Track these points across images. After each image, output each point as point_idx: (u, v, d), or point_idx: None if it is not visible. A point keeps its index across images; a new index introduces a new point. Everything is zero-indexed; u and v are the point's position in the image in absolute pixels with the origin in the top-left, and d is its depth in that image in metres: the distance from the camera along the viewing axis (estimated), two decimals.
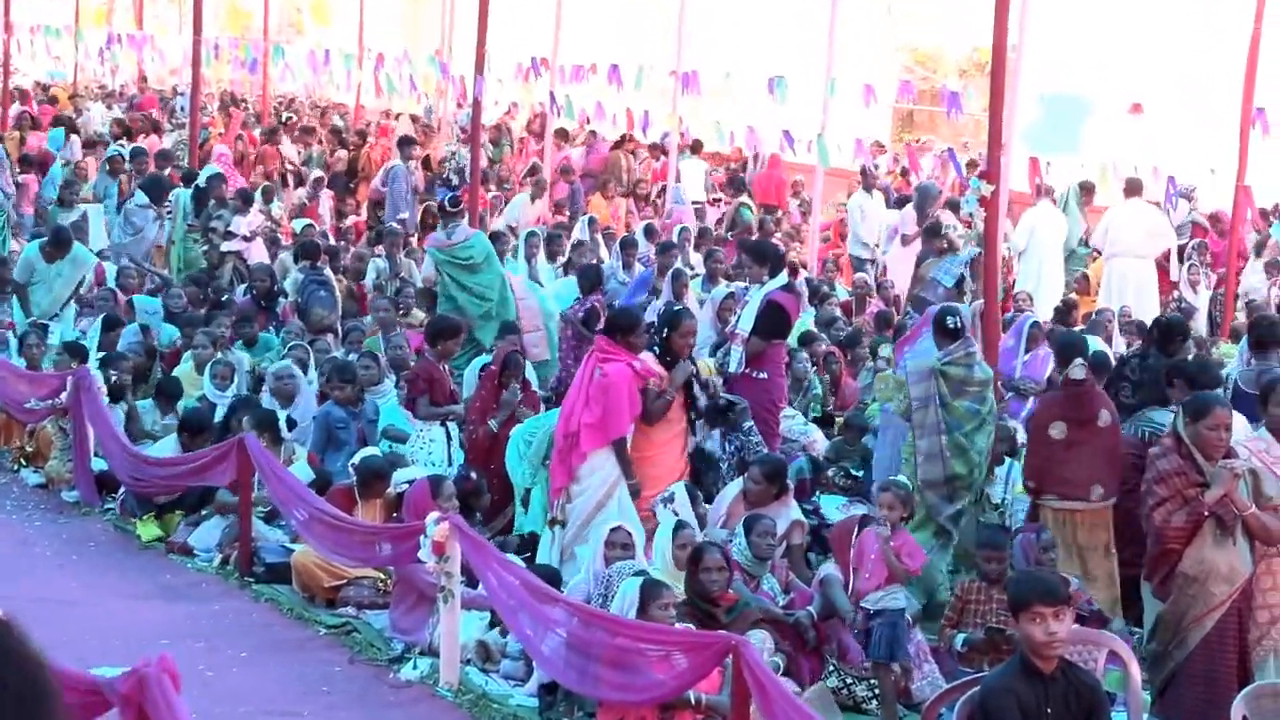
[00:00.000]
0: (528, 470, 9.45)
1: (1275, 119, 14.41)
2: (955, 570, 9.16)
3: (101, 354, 11.93)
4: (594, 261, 17.42)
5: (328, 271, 14.45)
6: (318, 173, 22.06)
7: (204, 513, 9.95)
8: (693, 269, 15.98)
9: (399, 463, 9.75)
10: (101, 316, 13.15)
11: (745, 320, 10.57)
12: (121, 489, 10.38)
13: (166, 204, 15.96)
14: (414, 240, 17.29)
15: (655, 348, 9.08)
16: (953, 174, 20.57)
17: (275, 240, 17.20)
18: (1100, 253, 17.10)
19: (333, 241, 17.69)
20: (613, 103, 22.71)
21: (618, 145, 24.02)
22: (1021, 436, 10.27)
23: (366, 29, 28.94)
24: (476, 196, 15.52)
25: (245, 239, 15.76)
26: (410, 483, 8.85)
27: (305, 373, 11.73)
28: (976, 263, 13.77)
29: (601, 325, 11.50)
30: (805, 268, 17.42)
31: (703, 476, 9.48)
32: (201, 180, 16.21)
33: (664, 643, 6.59)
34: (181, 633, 8.29)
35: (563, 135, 24.24)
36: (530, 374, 11.05)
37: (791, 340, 12.26)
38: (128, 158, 18.86)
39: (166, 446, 10.40)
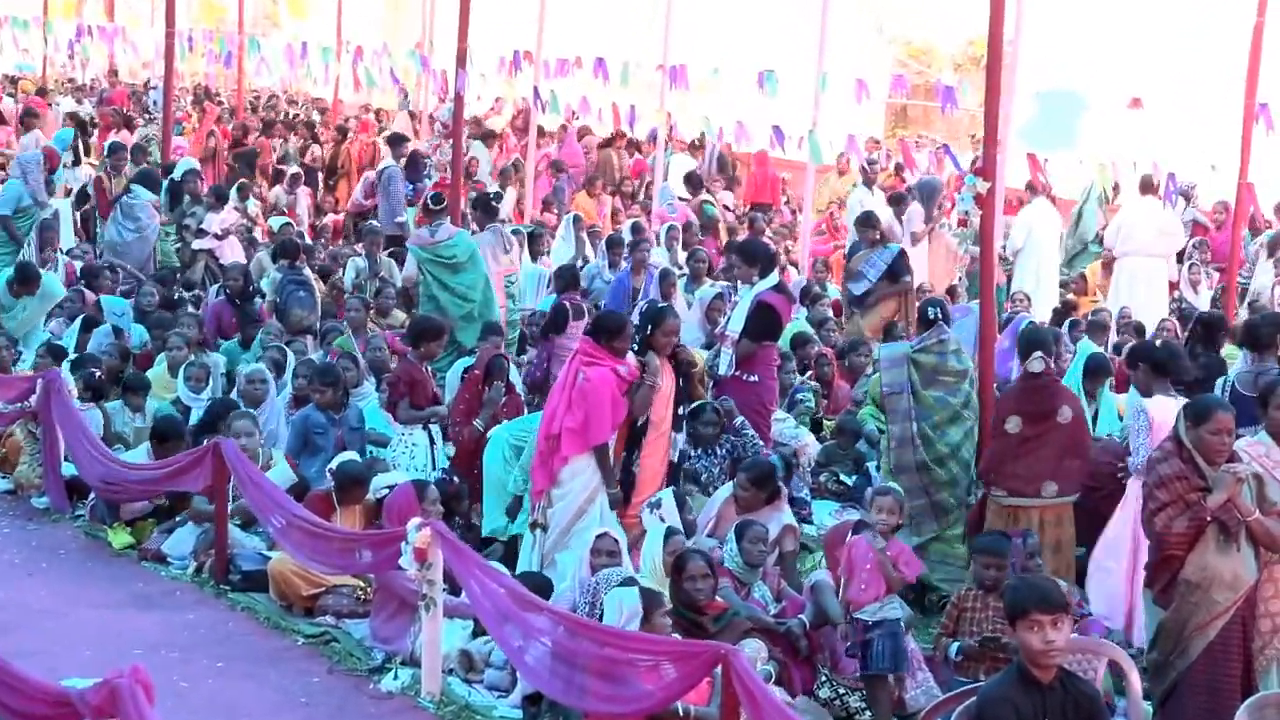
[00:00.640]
0: (519, 476, 9.45)
1: (1279, 114, 14.43)
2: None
3: (73, 356, 11.90)
4: (578, 261, 17.48)
5: (307, 271, 14.43)
6: (294, 168, 22.00)
7: (178, 519, 9.92)
8: (680, 268, 16.00)
9: (379, 468, 9.74)
10: (81, 317, 13.10)
11: (735, 322, 10.60)
12: (92, 494, 10.35)
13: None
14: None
15: (634, 345, 9.06)
16: (950, 170, 20.60)
17: (252, 239, 17.17)
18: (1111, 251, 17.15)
19: (309, 240, 17.67)
20: (598, 98, 22.69)
21: (607, 143, 23.97)
22: None
23: (345, 21, 28.88)
24: (459, 194, 15.48)
25: (217, 237, 15.74)
26: (391, 488, 8.84)
27: (281, 375, 11.71)
28: (904, 255, 13.96)
29: (567, 326, 11.60)
30: (797, 266, 17.43)
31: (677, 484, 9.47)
32: (177, 174, 16.19)
33: (652, 652, 6.60)
34: (155, 642, 8.28)
35: (539, 132, 24.11)
36: (514, 376, 11.04)
37: (784, 343, 12.28)
38: (106, 153, 18.79)
39: (137, 456, 10.34)
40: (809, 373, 13.03)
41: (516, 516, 9.50)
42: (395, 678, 7.90)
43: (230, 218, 16.17)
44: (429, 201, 13.68)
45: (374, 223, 17.58)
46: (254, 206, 19.46)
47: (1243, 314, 14.52)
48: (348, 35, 28.61)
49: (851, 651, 7.70)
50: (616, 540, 8.02)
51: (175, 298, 14.15)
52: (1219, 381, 9.78)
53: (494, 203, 14.12)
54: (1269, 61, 14.15)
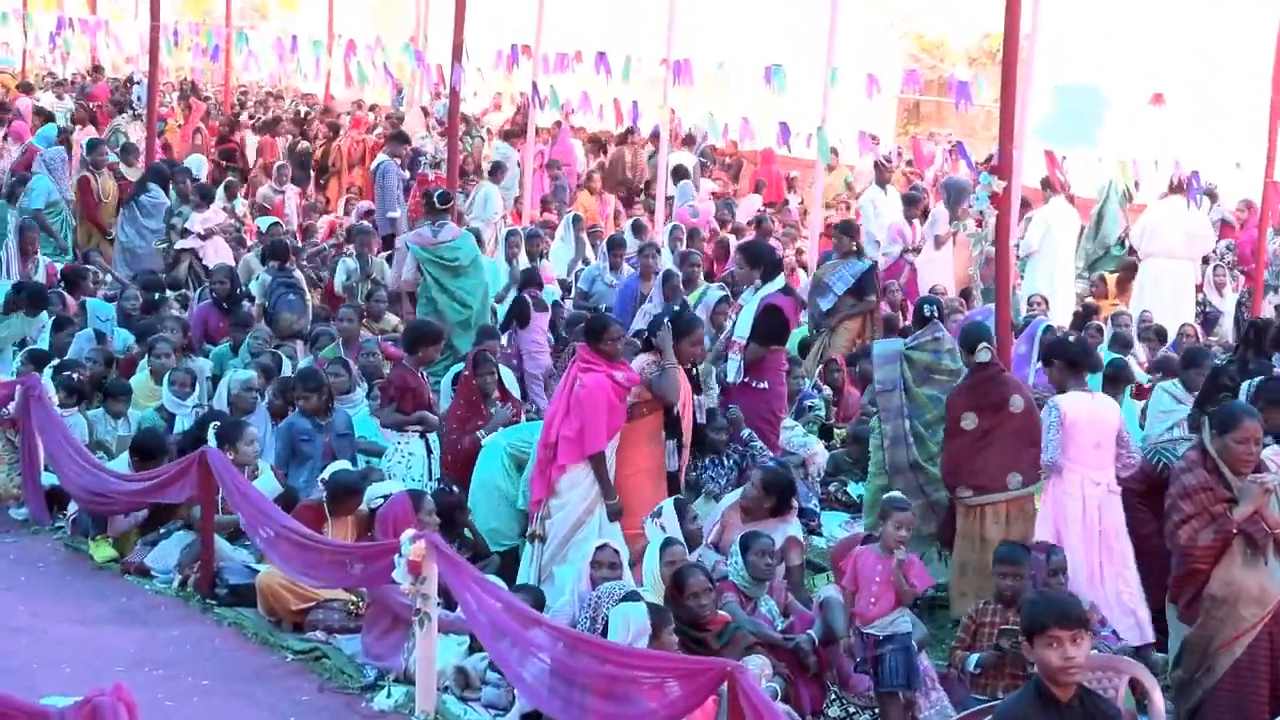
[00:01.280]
0: (526, 488, 9.44)
1: None
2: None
3: (55, 361, 11.86)
4: (578, 263, 17.49)
5: (297, 273, 14.39)
6: (280, 162, 22.00)
7: (161, 531, 9.90)
8: (698, 268, 15.96)
9: (375, 477, 9.72)
10: (51, 319, 13.09)
11: (742, 327, 10.57)
12: (72, 506, 10.33)
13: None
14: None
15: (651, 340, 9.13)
16: (963, 169, 20.60)
17: (240, 239, 17.18)
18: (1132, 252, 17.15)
19: (299, 242, 17.67)
20: (599, 93, 22.70)
21: (622, 140, 23.88)
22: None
23: (336, 14, 28.94)
24: (454, 190, 15.47)
25: (200, 237, 15.74)
26: (385, 498, 8.83)
27: (269, 381, 11.68)
28: (874, 271, 13.89)
29: (530, 320, 12.00)
30: (806, 269, 17.42)
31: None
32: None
33: (656, 669, 6.58)
34: (138, 659, 8.27)
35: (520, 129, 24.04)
36: (510, 382, 11.02)
37: (791, 347, 12.27)
38: (85, 150, 18.78)
39: (119, 468, 10.28)
40: (818, 379, 13.05)
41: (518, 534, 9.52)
42: (388, 696, 7.89)
43: (215, 217, 16.17)
44: (435, 200, 13.59)
45: (365, 223, 17.57)
46: (241, 206, 19.48)
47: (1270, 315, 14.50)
48: (339, 28, 28.67)
49: (861, 668, 7.68)
50: (617, 552, 8.02)
51: (157, 299, 14.09)
52: (1243, 386, 9.77)
53: (441, 203, 14.01)
54: None
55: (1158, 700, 7.01)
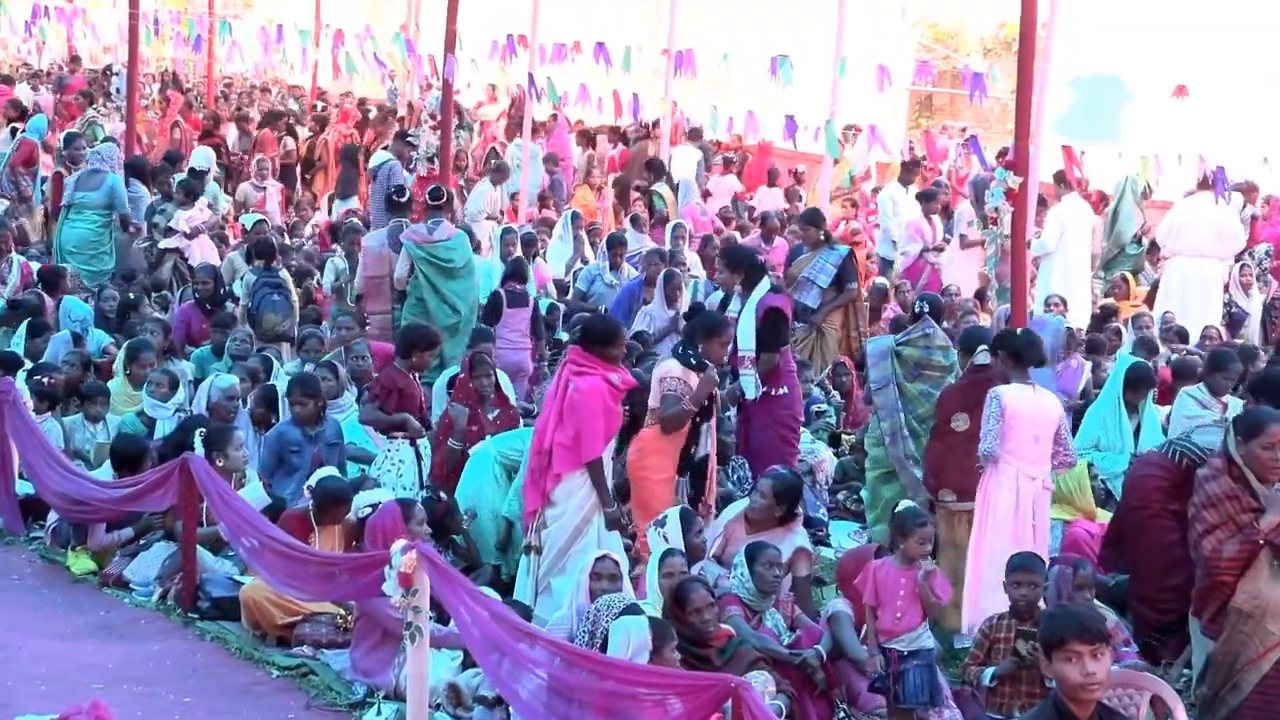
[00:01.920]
0: (516, 501, 9.44)
1: None
2: None
3: (30, 364, 11.87)
4: (576, 262, 17.49)
5: (283, 273, 14.39)
6: (260, 157, 22.00)
7: (142, 542, 9.90)
8: (688, 269, 16.00)
9: (366, 485, 9.71)
10: (25, 321, 13.08)
11: (745, 339, 10.45)
12: (52, 515, 10.32)
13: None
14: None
15: (691, 357, 9.24)
16: (976, 164, 20.59)
17: (223, 238, 17.19)
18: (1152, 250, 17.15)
19: (288, 240, 17.69)
20: (598, 85, 22.72)
21: (644, 135, 23.83)
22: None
23: (324, 2, 28.96)
24: (447, 187, 15.47)
25: (186, 236, 15.75)
26: (374, 507, 8.83)
27: (255, 385, 11.68)
28: (852, 257, 13.82)
29: (502, 313, 12.07)
30: None
31: None
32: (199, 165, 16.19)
33: (657, 685, 6.57)
34: (117, 675, 8.26)
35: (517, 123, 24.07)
36: (506, 386, 11.03)
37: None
38: (62, 144, 18.79)
39: (102, 476, 10.26)
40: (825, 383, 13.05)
41: (508, 546, 9.51)
42: (378, 713, 7.90)
43: (201, 215, 16.17)
44: (427, 196, 13.63)
45: (355, 220, 17.58)
46: (225, 204, 19.49)
47: None
48: (327, 18, 28.70)
49: (880, 684, 7.66)
50: (617, 563, 8.01)
51: (134, 298, 14.06)
52: None
53: (397, 197, 14.00)
54: None
55: (1181, 718, 7.00)
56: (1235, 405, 10.36)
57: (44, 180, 18.50)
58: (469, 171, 22.10)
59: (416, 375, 10.85)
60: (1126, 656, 8.28)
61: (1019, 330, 9.11)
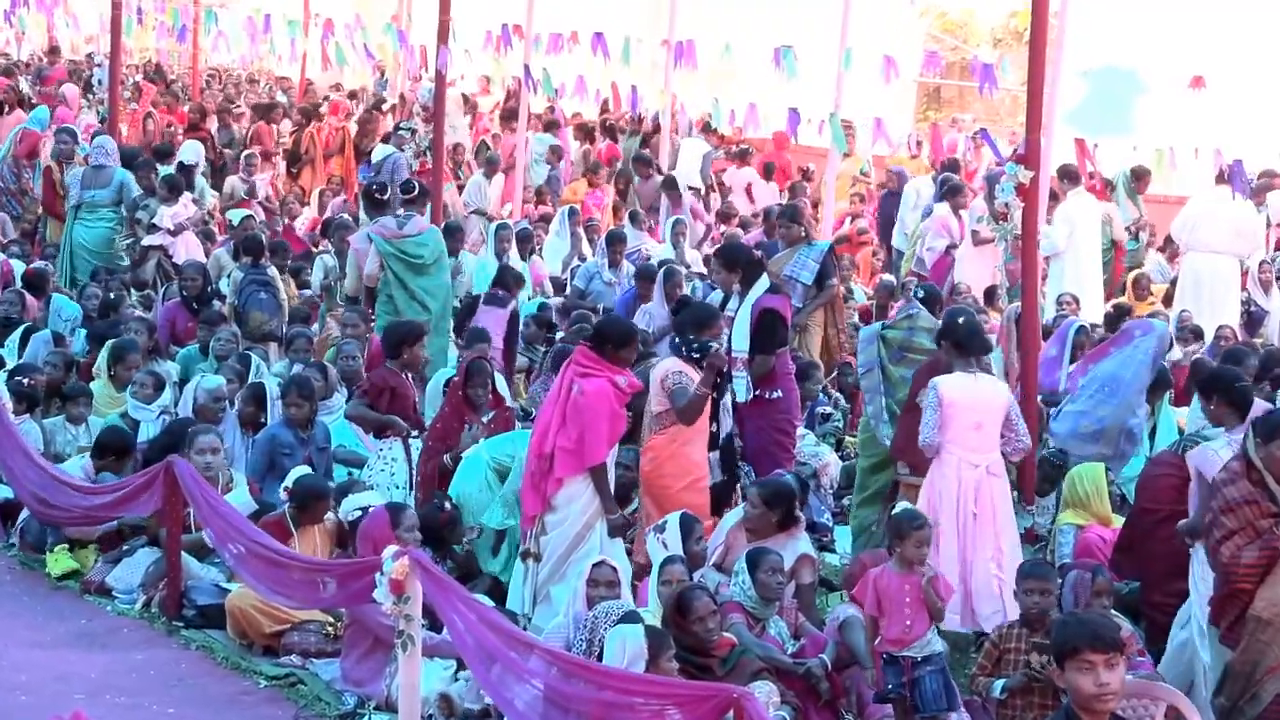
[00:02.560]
0: (500, 509, 9.43)
1: None
2: None
3: (11, 365, 11.87)
4: (573, 259, 17.50)
5: (271, 270, 14.38)
6: (249, 153, 21.99)
7: (125, 548, 9.90)
8: (688, 266, 16.00)
9: (352, 490, 9.68)
10: (22, 326, 13.05)
11: (739, 340, 10.42)
12: (23, 516, 10.31)
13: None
14: None
15: (693, 352, 9.26)
16: (988, 158, 20.60)
17: (209, 234, 17.18)
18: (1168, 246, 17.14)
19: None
20: (596, 77, 22.73)
21: (655, 132, 23.77)
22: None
23: None
24: (440, 181, 15.49)
25: (170, 233, 15.76)
26: (363, 510, 8.82)
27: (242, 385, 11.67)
28: (833, 252, 13.80)
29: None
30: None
31: None
32: (186, 159, 16.17)
33: (657, 695, 6.57)
34: (99, 686, 8.25)
35: (512, 115, 23.98)
36: (502, 386, 11.03)
37: None
38: (54, 138, 18.74)
39: (72, 469, 10.27)
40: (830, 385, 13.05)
41: (498, 553, 9.51)
42: None
43: (185, 211, 16.18)
44: (399, 189, 13.64)
45: (345, 216, 17.59)
46: (211, 199, 19.49)
47: None
48: (316, 7, 28.69)
49: (893, 693, 7.64)
50: (615, 569, 8.01)
51: (114, 297, 14.04)
52: None
53: (378, 194, 14.00)
54: None
55: None
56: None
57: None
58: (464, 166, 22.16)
59: (409, 375, 10.84)
60: (1141, 667, 8.27)
61: (961, 320, 9.23)
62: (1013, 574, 8.49)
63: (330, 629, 8.76)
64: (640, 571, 8.74)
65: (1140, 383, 10.67)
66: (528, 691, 6.96)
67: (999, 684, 7.39)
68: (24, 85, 26.46)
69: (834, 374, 13.40)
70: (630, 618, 7.40)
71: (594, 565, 8.01)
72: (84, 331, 13.25)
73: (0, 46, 35.22)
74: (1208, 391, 8.67)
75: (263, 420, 10.93)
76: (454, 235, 15.89)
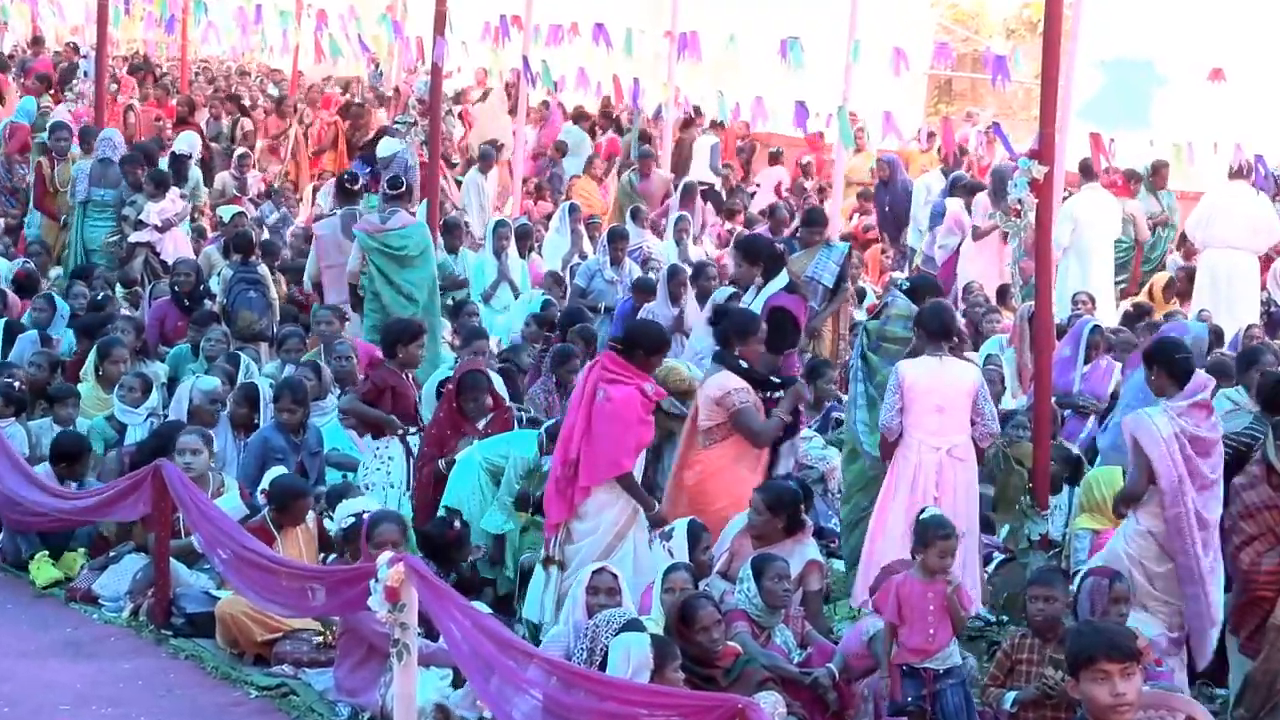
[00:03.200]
0: (499, 514, 9.41)
1: None
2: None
3: None
4: (574, 256, 17.50)
5: (262, 268, 14.38)
6: (241, 150, 22.00)
7: (111, 554, 9.90)
8: (690, 264, 15.98)
9: (347, 494, 9.68)
10: (2, 323, 13.06)
11: None
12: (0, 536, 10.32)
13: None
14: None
15: (773, 390, 9.40)
16: (1000, 152, 20.60)
17: (201, 231, 17.18)
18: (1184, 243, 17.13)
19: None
20: (597, 69, 22.72)
21: (686, 126, 23.74)
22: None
23: None
24: (436, 176, 15.48)
25: (157, 228, 15.75)
26: (358, 515, 8.81)
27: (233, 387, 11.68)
28: (849, 256, 13.83)
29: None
30: None
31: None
32: (180, 150, 16.16)
33: (660, 706, 6.57)
34: (85, 696, 8.26)
35: (509, 111, 24.00)
36: (500, 387, 11.02)
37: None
38: (47, 134, 18.74)
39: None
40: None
41: (501, 560, 9.49)
42: None
43: (173, 207, 16.17)
44: (385, 185, 13.67)
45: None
46: (202, 195, 19.49)
47: None
48: None
49: (913, 705, 7.61)
50: (615, 576, 8.01)
51: (101, 297, 14.03)
52: None
53: (349, 184, 13.96)
54: None
55: None
56: None
57: None
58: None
59: (409, 374, 10.85)
60: (1159, 677, 8.26)
61: (928, 305, 9.36)
62: (972, 560, 8.85)
63: (323, 638, 8.76)
64: None
65: None
66: (526, 702, 6.96)
67: (1010, 696, 7.39)
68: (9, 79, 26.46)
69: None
70: (633, 626, 7.40)
71: (594, 572, 8.01)
72: (70, 331, 13.25)
73: None
74: (1150, 361, 8.71)
75: (256, 422, 10.93)
76: (452, 232, 15.91)
